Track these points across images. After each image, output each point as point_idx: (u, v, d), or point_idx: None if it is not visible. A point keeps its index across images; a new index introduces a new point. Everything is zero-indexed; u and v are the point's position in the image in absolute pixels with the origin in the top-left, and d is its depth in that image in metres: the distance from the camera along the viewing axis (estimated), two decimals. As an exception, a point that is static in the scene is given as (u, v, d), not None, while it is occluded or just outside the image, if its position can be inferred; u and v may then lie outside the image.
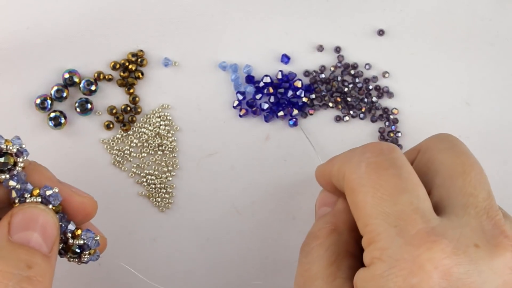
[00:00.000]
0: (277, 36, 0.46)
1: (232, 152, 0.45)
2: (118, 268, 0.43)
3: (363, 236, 0.31)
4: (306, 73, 0.46)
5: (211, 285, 0.44)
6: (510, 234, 0.29)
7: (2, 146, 0.31)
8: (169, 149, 0.45)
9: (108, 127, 0.44)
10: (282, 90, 0.45)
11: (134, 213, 0.44)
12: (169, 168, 0.45)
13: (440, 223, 0.29)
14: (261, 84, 0.45)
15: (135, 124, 0.45)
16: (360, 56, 0.46)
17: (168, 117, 0.45)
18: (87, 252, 0.33)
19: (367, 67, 0.46)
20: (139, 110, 0.45)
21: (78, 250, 0.32)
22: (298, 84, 0.46)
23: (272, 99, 0.45)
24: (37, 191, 0.32)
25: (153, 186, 0.44)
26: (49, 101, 0.44)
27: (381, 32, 0.46)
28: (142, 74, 0.45)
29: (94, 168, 0.44)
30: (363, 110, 0.46)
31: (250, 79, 0.46)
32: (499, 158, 0.46)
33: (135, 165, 0.45)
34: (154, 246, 0.44)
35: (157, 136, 0.45)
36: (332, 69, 0.46)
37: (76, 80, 0.44)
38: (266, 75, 0.45)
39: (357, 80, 0.46)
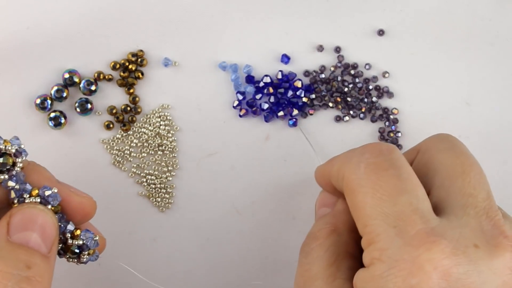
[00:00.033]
0: (277, 36, 0.46)
1: (232, 152, 0.45)
2: (118, 268, 0.43)
3: (362, 237, 0.31)
4: (306, 73, 0.46)
5: (211, 285, 0.44)
6: (510, 235, 0.29)
7: (1, 146, 0.31)
8: (169, 149, 0.45)
9: (108, 127, 0.44)
10: (282, 90, 0.45)
11: (134, 213, 0.44)
12: (169, 168, 0.45)
13: (439, 223, 0.29)
14: (261, 84, 0.45)
15: (135, 124, 0.45)
16: (360, 56, 0.46)
17: (168, 117, 0.45)
18: (86, 252, 0.33)
19: (367, 67, 0.46)
20: (139, 110, 0.45)
21: (77, 250, 0.32)
22: (298, 84, 0.46)
23: (272, 99, 0.45)
24: (36, 191, 0.32)
25: (153, 186, 0.44)
26: (49, 101, 0.44)
27: (381, 32, 0.46)
28: (142, 74, 0.45)
29: (94, 168, 0.44)
30: (363, 110, 0.46)
31: (250, 79, 0.45)
32: (499, 158, 0.46)
33: (135, 165, 0.45)
34: (154, 246, 0.44)
35: (157, 136, 0.45)
36: (332, 69, 0.46)
37: (76, 80, 0.44)
38: (266, 75, 0.45)
39: (357, 80, 0.46)
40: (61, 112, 0.44)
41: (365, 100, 0.46)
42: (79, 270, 0.42)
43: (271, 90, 0.45)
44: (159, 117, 0.45)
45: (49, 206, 0.32)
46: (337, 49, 0.46)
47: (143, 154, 0.45)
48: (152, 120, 0.45)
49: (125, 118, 0.45)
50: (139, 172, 0.45)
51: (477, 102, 0.46)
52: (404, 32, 0.47)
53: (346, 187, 0.32)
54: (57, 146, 0.44)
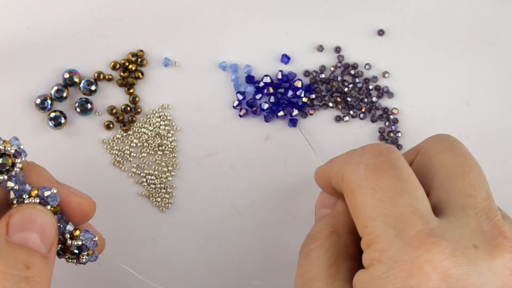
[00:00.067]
0: (277, 36, 0.46)
1: (232, 152, 0.45)
2: (117, 269, 0.43)
3: (362, 238, 0.31)
4: (306, 73, 0.46)
5: (211, 285, 0.44)
6: (509, 235, 0.29)
7: (0, 147, 0.31)
8: (169, 149, 0.45)
9: (108, 127, 0.44)
10: (282, 90, 0.45)
11: (134, 213, 0.44)
12: (169, 168, 0.45)
13: (439, 224, 0.29)
14: (261, 84, 0.45)
15: (135, 124, 0.45)
16: (360, 56, 0.46)
17: (168, 117, 0.45)
18: (85, 253, 0.33)
19: (367, 67, 0.46)
20: (139, 110, 0.45)
21: (76, 251, 0.32)
22: (298, 84, 0.45)
23: (272, 99, 0.45)
24: (35, 192, 0.32)
25: (153, 186, 0.44)
26: (49, 101, 0.44)
27: (381, 32, 0.46)
28: (142, 74, 0.45)
29: (94, 168, 0.44)
30: (363, 110, 0.46)
31: (250, 79, 0.45)
32: (499, 158, 0.46)
33: (135, 165, 0.45)
34: (154, 246, 0.44)
35: (157, 136, 0.45)
36: (332, 69, 0.46)
37: (76, 80, 0.44)
38: (266, 75, 0.45)
39: (357, 80, 0.46)
40: (61, 112, 0.44)
41: (365, 100, 0.46)
42: (78, 270, 0.42)
43: (271, 90, 0.45)
44: (159, 117, 0.45)
45: (48, 207, 0.32)
46: (337, 49, 0.46)
47: (143, 154, 0.45)
48: (152, 120, 0.45)
49: (125, 118, 0.45)
50: (139, 172, 0.45)
51: (477, 102, 0.46)
52: (404, 32, 0.47)
53: (346, 188, 0.32)
54: (57, 146, 0.44)
